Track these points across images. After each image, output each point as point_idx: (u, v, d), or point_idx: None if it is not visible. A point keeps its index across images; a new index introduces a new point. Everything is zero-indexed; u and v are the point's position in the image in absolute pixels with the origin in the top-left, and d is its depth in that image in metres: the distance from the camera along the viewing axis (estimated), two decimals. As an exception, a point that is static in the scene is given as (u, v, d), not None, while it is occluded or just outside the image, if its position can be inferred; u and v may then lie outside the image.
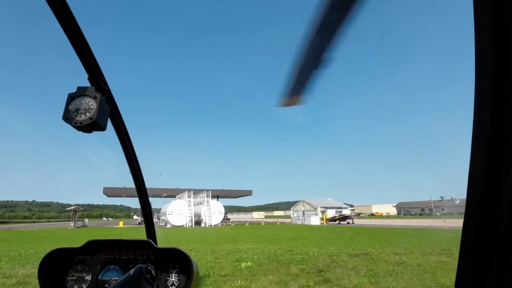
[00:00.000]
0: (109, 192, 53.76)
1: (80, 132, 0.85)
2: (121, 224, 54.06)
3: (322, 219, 50.22)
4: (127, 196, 53.37)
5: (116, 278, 1.13)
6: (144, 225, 1.38)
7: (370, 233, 21.19)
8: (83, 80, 0.90)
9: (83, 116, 0.82)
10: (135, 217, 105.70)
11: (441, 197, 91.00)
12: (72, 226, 43.85)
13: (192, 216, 43.46)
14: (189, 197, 46.11)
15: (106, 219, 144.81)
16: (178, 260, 1.14)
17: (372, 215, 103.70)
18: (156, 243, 1.23)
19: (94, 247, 1.16)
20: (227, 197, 67.18)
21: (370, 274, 6.38)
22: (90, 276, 1.14)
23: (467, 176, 0.52)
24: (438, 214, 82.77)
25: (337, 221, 47.46)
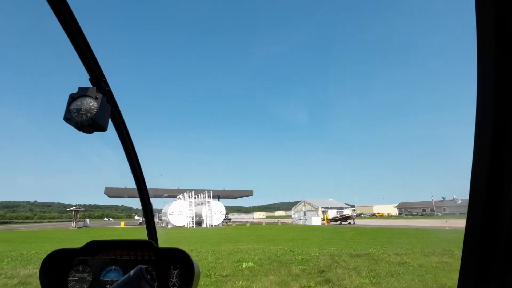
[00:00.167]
0: (110, 192, 53.92)
1: (81, 132, 0.85)
2: (122, 224, 54.20)
3: (323, 220, 50.17)
4: (128, 197, 53.49)
5: (117, 279, 1.12)
6: (145, 226, 1.38)
7: (371, 233, 21.16)
8: (85, 80, 0.90)
9: (84, 116, 0.83)
10: (136, 217, 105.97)
11: (442, 197, 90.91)
12: (74, 226, 43.97)
13: (193, 217, 43.51)
14: (190, 197, 46.17)
15: (107, 220, 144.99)
16: (179, 261, 1.13)
17: (373, 216, 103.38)
18: (157, 244, 1.23)
19: (95, 247, 1.16)
20: (228, 197, 67.18)
21: (371, 275, 6.37)
22: (91, 276, 1.13)
23: (468, 176, 0.51)
24: (440, 214, 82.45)
25: (338, 222, 47.40)
